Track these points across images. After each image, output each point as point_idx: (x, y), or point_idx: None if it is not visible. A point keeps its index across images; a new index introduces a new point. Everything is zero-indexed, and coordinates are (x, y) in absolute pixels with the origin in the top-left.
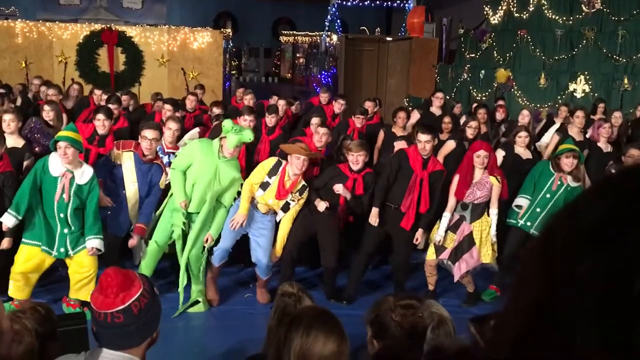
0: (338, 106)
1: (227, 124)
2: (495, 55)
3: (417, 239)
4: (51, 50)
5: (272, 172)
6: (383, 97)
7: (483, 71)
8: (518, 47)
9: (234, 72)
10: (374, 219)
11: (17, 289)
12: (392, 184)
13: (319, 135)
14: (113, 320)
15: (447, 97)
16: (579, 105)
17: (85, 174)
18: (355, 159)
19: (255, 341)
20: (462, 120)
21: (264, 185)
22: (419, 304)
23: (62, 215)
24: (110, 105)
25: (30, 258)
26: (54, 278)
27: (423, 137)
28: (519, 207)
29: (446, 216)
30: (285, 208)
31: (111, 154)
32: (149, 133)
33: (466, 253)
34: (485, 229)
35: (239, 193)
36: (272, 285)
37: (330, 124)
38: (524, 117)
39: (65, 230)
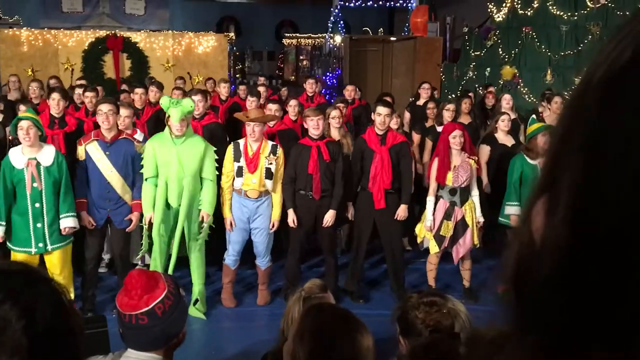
0: (309, 87)
1: (163, 101)
2: (501, 52)
3: (398, 214)
4: (57, 57)
5: (236, 156)
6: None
7: (489, 69)
8: (523, 44)
9: (238, 75)
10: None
11: None
12: (364, 170)
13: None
14: (137, 322)
15: (452, 96)
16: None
17: (47, 153)
18: (315, 124)
19: (271, 341)
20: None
21: (239, 172)
22: (442, 301)
23: (37, 205)
24: (88, 93)
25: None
26: None
27: (383, 111)
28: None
29: (430, 200)
30: (269, 175)
31: (77, 154)
32: (104, 107)
33: (461, 237)
34: (472, 209)
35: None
36: (277, 286)
37: (310, 105)
38: (508, 102)
39: (39, 225)
